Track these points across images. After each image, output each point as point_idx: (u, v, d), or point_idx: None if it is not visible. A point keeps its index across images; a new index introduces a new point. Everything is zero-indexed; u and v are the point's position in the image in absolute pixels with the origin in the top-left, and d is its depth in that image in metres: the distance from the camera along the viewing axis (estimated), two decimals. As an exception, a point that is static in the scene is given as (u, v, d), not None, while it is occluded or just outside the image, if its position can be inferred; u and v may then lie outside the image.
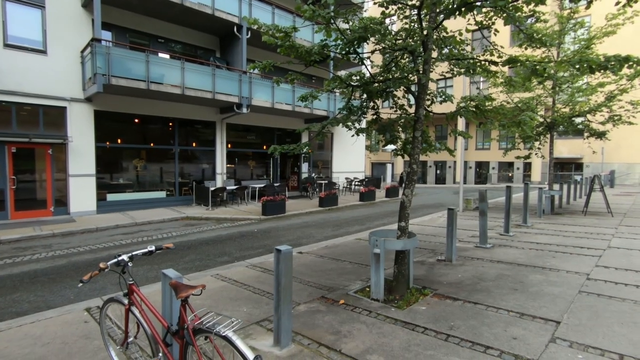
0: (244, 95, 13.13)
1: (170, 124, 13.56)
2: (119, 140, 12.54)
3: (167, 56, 12.74)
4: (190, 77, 11.75)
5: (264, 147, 17.32)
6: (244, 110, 13.23)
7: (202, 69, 12.17)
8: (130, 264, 2.41)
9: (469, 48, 5.40)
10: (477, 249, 6.50)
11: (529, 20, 4.37)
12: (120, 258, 2.37)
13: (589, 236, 7.32)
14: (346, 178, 19.30)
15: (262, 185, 14.56)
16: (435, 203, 15.84)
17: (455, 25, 5.05)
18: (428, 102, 4.82)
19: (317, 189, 16.70)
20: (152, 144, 13.38)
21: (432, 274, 5.04)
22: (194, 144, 14.53)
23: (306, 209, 13.24)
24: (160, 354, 2.25)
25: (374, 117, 5.47)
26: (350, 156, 20.53)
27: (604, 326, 3.25)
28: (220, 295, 4.50)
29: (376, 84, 4.61)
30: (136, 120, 12.85)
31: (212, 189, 12.79)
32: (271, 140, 17.03)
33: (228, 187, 13.66)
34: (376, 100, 5.15)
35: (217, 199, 13.35)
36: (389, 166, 24.60)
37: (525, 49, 5.46)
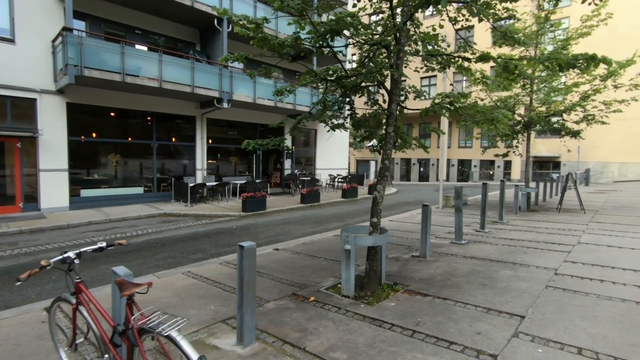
0: (225, 90, 12.90)
1: (149, 118, 13.21)
2: (94, 134, 12.14)
3: (144, 48, 12.39)
4: (168, 70, 11.45)
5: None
6: (225, 105, 13.00)
7: (180, 62, 11.88)
8: (77, 262, 2.29)
9: (445, 45, 5.40)
10: (453, 245, 6.56)
11: (508, 21, 4.40)
12: (66, 255, 2.25)
13: (560, 232, 7.48)
14: (329, 175, 19.28)
15: (243, 182, 14.38)
16: (416, 200, 15.97)
17: (434, 22, 5.05)
18: (402, 98, 4.80)
19: (300, 186, 16.60)
20: (129, 139, 13.01)
21: (405, 270, 5.04)
22: (173, 139, 14.21)
23: (287, 205, 13.15)
24: (106, 355, 2.14)
25: (350, 112, 5.42)
26: (334, 153, 20.51)
27: (566, 320, 3.29)
28: (189, 293, 4.38)
29: (350, 79, 4.55)
30: (112, 114, 12.47)
31: (191, 185, 12.55)
32: (253, 136, 16.81)
33: (208, 183, 13.43)
34: (352, 96, 5.11)
35: (197, 195, 13.12)
36: (372, 163, 24.71)
37: (500, 46, 5.52)
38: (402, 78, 4.26)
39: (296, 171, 17.39)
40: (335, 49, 4.55)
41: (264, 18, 4.18)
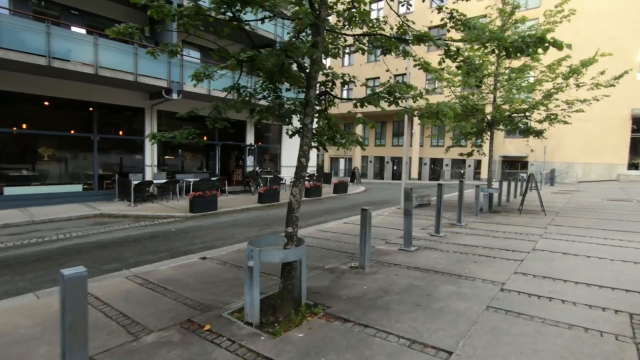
0: (174, 80, 11.87)
1: (90, 108, 12.01)
2: (24, 126, 10.87)
3: (83, 31, 11.20)
4: (106, 55, 10.33)
5: (205, 138, 16.09)
6: (174, 96, 11.98)
7: (121, 46, 10.76)
8: None
9: (388, 26, 4.74)
10: (400, 252, 5.95)
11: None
12: None
13: (517, 237, 7.04)
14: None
15: (197, 179, 13.37)
16: (382, 199, 15.47)
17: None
18: (329, 85, 4.09)
19: (262, 184, 15.76)
20: (72, 131, 11.82)
21: (336, 286, 4.36)
22: (120, 132, 13.05)
23: (243, 205, 12.30)
24: None
25: (278, 102, 4.67)
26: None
27: (500, 357, 2.68)
28: (53, 321, 3.49)
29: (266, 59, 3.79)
30: (46, 103, 11.21)
31: (136, 182, 11.48)
32: (212, 130, 15.78)
33: (155, 181, 12.38)
34: (276, 81, 4.36)
35: (144, 194, 12.07)
36: (341, 161, 24.12)
37: (448, 29, 4.90)
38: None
39: (257, 168, 16.52)
40: (247, 22, 3.78)
41: (151, -21, 3.36)
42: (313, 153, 20.86)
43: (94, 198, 11.95)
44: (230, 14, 3.70)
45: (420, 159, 32.97)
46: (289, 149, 19.17)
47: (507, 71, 10.88)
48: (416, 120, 29.66)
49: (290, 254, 3.35)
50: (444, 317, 3.38)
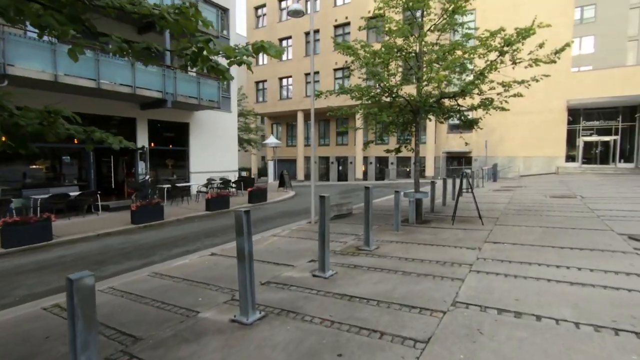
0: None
1: None
2: None
3: None
4: None
5: (75, 141, 12.59)
6: (-7, 82, 8.56)
7: None
8: None
9: None
10: (229, 327, 3.32)
11: None
12: None
13: (437, 272, 4.70)
14: (208, 179, 15.46)
15: (47, 196, 9.94)
16: (304, 208, 12.91)
17: None
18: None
19: (156, 196, 12.58)
20: None
21: None
22: None
23: (105, 229, 9.11)
24: None
25: None
26: (216, 152, 16.75)
27: None
28: None
29: None
30: None
31: None
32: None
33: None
34: None
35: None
36: (270, 164, 21.40)
37: None
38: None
39: (148, 177, 13.26)
40: None
41: None
42: (234, 155, 17.93)
43: None
44: None
45: (365, 158, 31.12)
46: (200, 151, 16.09)
47: (434, 47, 8.83)
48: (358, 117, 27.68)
49: None
50: None
